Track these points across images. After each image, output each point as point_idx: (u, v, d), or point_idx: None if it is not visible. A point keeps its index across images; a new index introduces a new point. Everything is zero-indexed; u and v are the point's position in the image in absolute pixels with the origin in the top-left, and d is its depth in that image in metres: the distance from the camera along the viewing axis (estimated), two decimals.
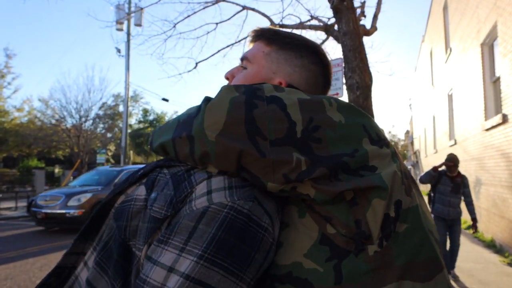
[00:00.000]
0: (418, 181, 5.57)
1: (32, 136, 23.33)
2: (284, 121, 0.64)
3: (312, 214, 0.65)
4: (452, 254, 5.16)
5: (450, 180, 5.24)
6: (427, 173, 5.42)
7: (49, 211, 8.97)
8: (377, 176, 0.64)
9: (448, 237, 5.21)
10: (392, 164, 0.68)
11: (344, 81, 5.13)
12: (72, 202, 9.07)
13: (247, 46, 0.92)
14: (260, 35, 0.88)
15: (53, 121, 25.42)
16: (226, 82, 0.91)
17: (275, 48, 0.85)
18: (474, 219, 5.29)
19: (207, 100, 0.69)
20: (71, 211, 8.92)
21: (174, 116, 0.84)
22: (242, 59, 0.88)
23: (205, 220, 0.59)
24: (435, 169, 5.37)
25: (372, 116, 4.73)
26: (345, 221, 0.62)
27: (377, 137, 0.70)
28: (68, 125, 25.27)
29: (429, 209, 0.78)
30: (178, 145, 0.68)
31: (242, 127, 0.63)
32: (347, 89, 4.71)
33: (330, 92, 5.44)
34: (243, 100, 0.65)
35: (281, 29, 0.91)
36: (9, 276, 5.33)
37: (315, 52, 0.86)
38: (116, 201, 0.74)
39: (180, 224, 0.60)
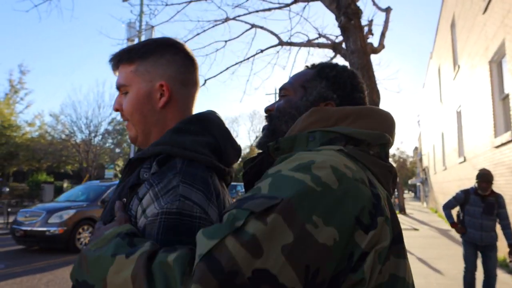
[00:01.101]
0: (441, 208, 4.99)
1: (42, 150, 23.61)
2: None
3: None
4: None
5: (480, 199, 4.47)
6: (450, 203, 4.74)
7: (28, 228, 8.35)
8: None
9: (482, 265, 4.51)
10: None
11: None
12: (54, 219, 8.45)
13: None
14: (119, 60, 0.94)
15: (63, 136, 25.74)
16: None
17: (138, 62, 0.92)
18: (510, 245, 4.43)
19: None
20: (52, 229, 8.30)
21: None
22: (119, 87, 0.94)
23: (147, 232, 0.71)
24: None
25: None
26: None
27: None
28: (78, 140, 25.55)
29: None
30: None
31: None
32: None
33: None
34: None
35: (132, 44, 0.99)
36: None
37: (169, 45, 0.95)
38: None
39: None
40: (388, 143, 0.82)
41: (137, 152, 0.93)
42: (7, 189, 19.88)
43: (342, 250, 0.58)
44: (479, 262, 4.58)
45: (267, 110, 0.97)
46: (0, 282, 5.82)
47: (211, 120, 0.94)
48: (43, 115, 31.75)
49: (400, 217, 19.27)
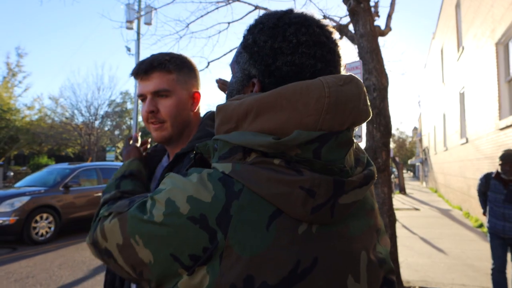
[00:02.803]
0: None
1: (43, 134, 23.58)
2: None
3: None
4: None
5: (502, 185, 3.84)
6: (478, 190, 4.20)
7: None
8: None
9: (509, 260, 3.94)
10: None
11: None
12: (4, 208, 7.34)
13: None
14: (155, 67, 1.07)
15: (64, 119, 25.66)
16: None
17: (176, 72, 1.09)
18: None
19: None
20: (1, 219, 7.23)
21: None
22: (158, 91, 1.07)
23: None
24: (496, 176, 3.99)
25: (388, 117, 4.74)
26: None
27: None
28: (79, 123, 25.50)
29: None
30: None
31: None
32: None
33: None
34: None
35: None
36: (30, 275, 5.45)
37: (189, 61, 1.15)
38: None
39: None
40: (321, 138, 0.59)
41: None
42: (12, 173, 19.96)
43: (160, 269, 0.62)
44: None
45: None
46: (14, 263, 5.94)
47: None
48: (42, 98, 31.50)
49: (401, 197, 19.50)
